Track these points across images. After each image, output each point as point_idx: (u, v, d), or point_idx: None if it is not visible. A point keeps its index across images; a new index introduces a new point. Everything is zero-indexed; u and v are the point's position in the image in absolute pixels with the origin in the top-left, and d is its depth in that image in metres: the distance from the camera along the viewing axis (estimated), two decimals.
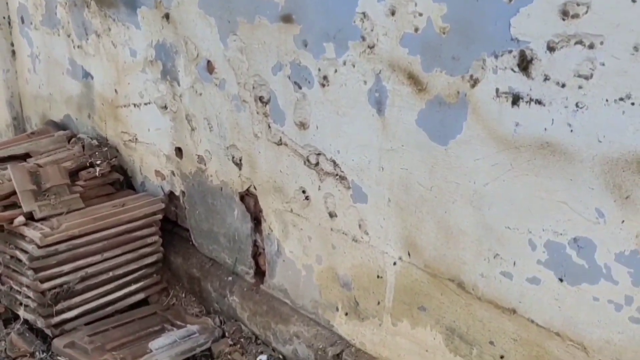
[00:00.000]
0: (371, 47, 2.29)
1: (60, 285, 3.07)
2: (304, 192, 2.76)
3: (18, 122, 4.31)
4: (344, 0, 2.31)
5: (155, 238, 3.38)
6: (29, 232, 3.01)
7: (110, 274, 3.24)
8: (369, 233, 2.57)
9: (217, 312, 3.32)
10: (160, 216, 3.38)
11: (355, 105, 2.42)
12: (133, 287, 3.34)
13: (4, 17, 4.05)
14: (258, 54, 2.70)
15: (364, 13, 2.27)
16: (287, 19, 2.54)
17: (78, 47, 3.64)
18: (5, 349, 3.03)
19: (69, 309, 3.11)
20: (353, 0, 2.28)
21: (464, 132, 2.14)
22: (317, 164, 2.65)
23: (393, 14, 2.19)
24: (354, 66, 2.37)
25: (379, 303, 2.63)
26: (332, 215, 2.68)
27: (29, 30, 3.96)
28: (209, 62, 2.94)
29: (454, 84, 2.10)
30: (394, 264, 2.52)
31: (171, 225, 3.56)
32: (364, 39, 2.30)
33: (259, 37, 2.67)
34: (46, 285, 3.02)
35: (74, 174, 3.43)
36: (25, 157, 3.53)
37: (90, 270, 3.16)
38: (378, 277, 2.60)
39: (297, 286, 2.97)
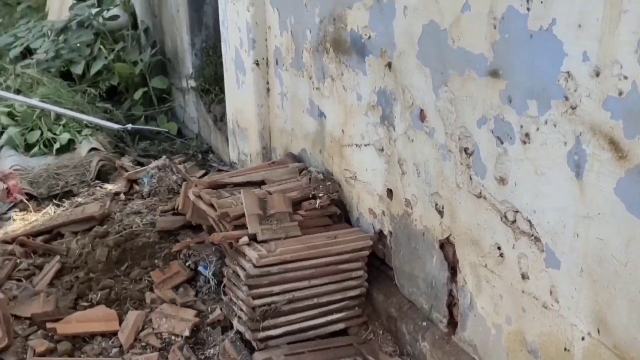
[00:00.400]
0: (573, 107, 2.19)
1: (269, 304, 3.35)
2: (499, 248, 2.70)
3: (266, 152, 4.81)
4: (550, 58, 2.24)
5: (361, 273, 3.53)
6: (249, 251, 3.35)
7: (315, 300, 3.46)
8: (559, 301, 2.42)
9: (409, 354, 3.36)
10: (367, 252, 3.53)
11: (553, 166, 2.33)
12: (335, 316, 3.51)
13: (263, 58, 4.57)
14: (465, 106, 2.73)
15: (568, 72, 2.18)
16: (494, 74, 2.53)
17: (316, 88, 3.98)
18: (219, 354, 3.39)
19: (275, 327, 3.38)
20: (558, 59, 2.21)
21: None
22: (514, 221, 2.58)
23: (597, 75, 2.08)
24: (555, 126, 2.29)
25: None
26: (524, 276, 2.58)
27: (281, 71, 4.43)
28: (421, 110, 3.03)
29: None
30: (582, 338, 2.34)
31: (379, 263, 3.69)
32: (566, 98, 2.21)
33: (468, 90, 2.69)
34: (257, 302, 3.33)
35: (297, 204, 3.74)
36: (261, 183, 3.94)
37: (297, 294, 3.41)
38: (565, 349, 2.43)
39: (486, 344, 2.89)
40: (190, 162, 5.62)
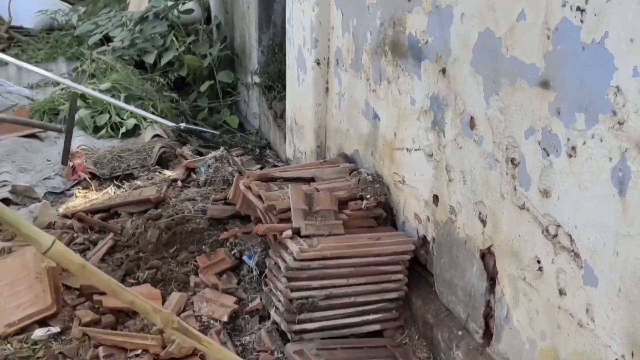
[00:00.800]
0: (621, 123, 2.15)
1: (307, 298, 3.40)
2: (538, 262, 2.66)
3: (320, 150, 4.86)
4: (600, 72, 2.21)
5: (401, 276, 3.54)
6: (291, 245, 3.41)
7: (353, 299, 3.48)
8: (594, 321, 2.37)
9: None
10: (408, 257, 3.53)
11: (597, 181, 2.28)
12: (371, 316, 3.53)
13: (324, 58, 4.63)
14: (515, 115, 2.70)
15: (617, 87, 2.14)
16: (544, 84, 2.50)
17: (373, 90, 4.01)
18: (254, 342, 3.46)
19: (310, 320, 3.43)
20: (609, 73, 2.17)
21: None
22: (555, 235, 2.54)
23: None
24: (601, 141, 2.25)
25: None
26: (561, 292, 2.54)
27: (340, 71, 4.48)
28: (472, 118, 3.01)
29: None
30: None
31: (420, 268, 3.68)
32: (614, 113, 2.17)
33: (517, 100, 2.67)
34: (295, 294, 3.39)
35: (343, 203, 3.77)
36: (310, 180, 3.99)
37: (335, 290, 3.44)
38: None
39: (520, 358, 2.85)
40: (248, 155, 5.72)
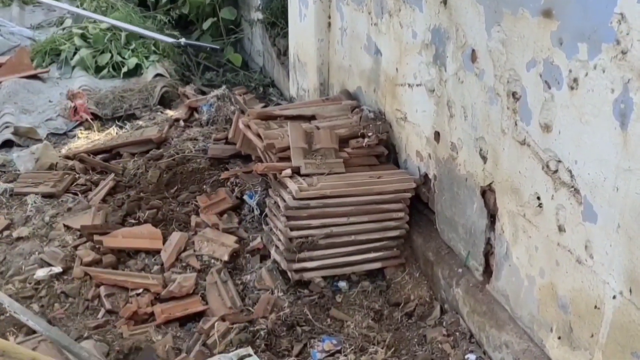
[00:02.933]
0: (624, 52, 2.05)
1: (306, 237, 3.38)
2: (538, 198, 2.60)
3: (324, 88, 4.76)
4: None
5: (402, 214, 3.50)
6: (290, 183, 3.37)
7: (353, 237, 3.46)
8: (593, 257, 2.33)
9: (442, 299, 3.33)
10: (409, 195, 3.49)
11: (599, 114, 2.20)
12: (372, 255, 3.51)
13: None
14: (516, 47, 2.59)
15: (621, 14, 2.03)
16: (547, 13, 2.39)
17: (374, 24, 3.88)
18: (255, 280, 3.46)
19: (310, 259, 3.42)
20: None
21: None
22: (555, 171, 2.47)
23: None
24: (604, 71, 2.15)
25: (592, 336, 2.38)
26: (561, 229, 2.49)
27: (342, 5, 4.33)
28: (473, 50, 2.91)
29: None
30: (614, 297, 2.25)
31: (422, 206, 3.64)
32: (618, 42, 2.06)
33: (519, 30, 2.56)
34: (294, 233, 3.37)
35: (345, 141, 3.71)
36: (311, 118, 3.92)
37: (335, 229, 3.42)
38: (595, 307, 2.35)
39: (518, 295, 2.83)
40: (251, 94, 5.63)
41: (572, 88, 2.31)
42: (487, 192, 2.99)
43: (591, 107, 2.23)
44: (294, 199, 3.31)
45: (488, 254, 3.07)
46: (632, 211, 2.12)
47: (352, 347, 3.04)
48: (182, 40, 3.84)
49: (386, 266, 3.55)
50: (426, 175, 3.54)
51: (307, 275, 3.43)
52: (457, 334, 3.13)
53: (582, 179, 2.33)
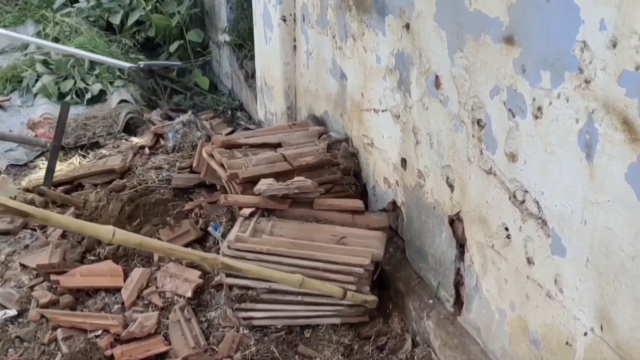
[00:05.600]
0: (587, 81, 1.97)
1: (245, 289, 3.12)
2: (506, 229, 2.51)
3: (291, 112, 4.67)
4: (566, 25, 2.01)
5: (354, 287, 3.10)
6: (235, 227, 3.16)
7: (300, 297, 3.15)
8: (563, 292, 2.24)
9: (414, 332, 3.22)
10: (362, 270, 3.08)
11: (564, 144, 2.12)
12: (328, 312, 3.22)
13: (290, 14, 4.40)
14: (479, 74, 2.51)
15: (584, 42, 1.95)
16: (509, 40, 2.31)
17: (339, 48, 3.80)
18: (219, 317, 3.33)
19: (254, 310, 3.18)
20: (574, 27, 1.97)
21: None
22: (523, 202, 2.39)
23: (614, 46, 1.85)
24: (567, 101, 2.07)
25: None
26: (530, 261, 2.40)
27: (307, 28, 4.25)
28: (437, 76, 2.83)
29: None
30: (585, 334, 2.16)
31: (392, 233, 3.54)
32: (581, 71, 1.99)
33: (482, 57, 2.48)
34: (229, 280, 3.11)
35: (312, 169, 3.61)
36: (277, 146, 3.82)
37: (276, 286, 3.09)
38: (567, 344, 2.25)
39: (490, 328, 2.73)
40: (218, 119, 5.52)
41: (536, 117, 2.23)
42: (455, 221, 2.90)
43: (556, 137, 2.15)
44: (228, 247, 3.06)
45: (458, 284, 2.97)
46: (600, 245, 2.03)
47: None
48: (141, 64, 3.60)
49: (348, 323, 3.26)
50: (394, 203, 3.45)
51: (256, 323, 3.24)
52: None
53: (550, 210, 2.24)
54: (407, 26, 3.00)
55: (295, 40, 4.49)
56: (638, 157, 1.83)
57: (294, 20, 4.43)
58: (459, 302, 2.98)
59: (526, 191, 2.36)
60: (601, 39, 1.89)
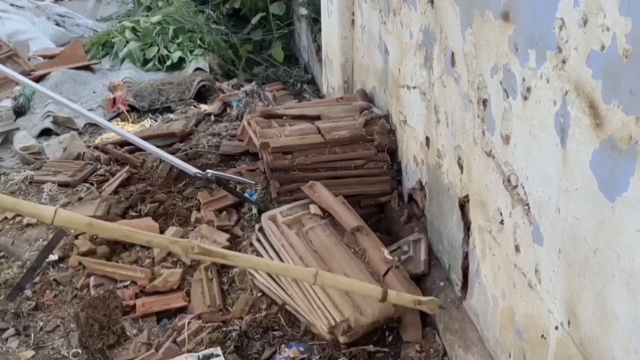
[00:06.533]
0: (564, 61, 1.86)
1: None
2: (500, 214, 2.43)
3: (348, 86, 4.66)
4: (548, 1, 1.90)
5: None
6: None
7: None
8: (541, 282, 2.14)
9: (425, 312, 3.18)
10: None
11: (544, 127, 2.02)
12: None
13: None
14: (484, 52, 2.42)
15: (562, 19, 1.85)
16: (505, 16, 2.21)
17: (384, 23, 3.75)
18: (238, 279, 3.44)
19: None
20: (555, 3, 1.87)
21: (630, 190, 1.62)
22: (515, 186, 2.29)
23: (585, 23, 1.73)
24: (548, 81, 1.96)
25: None
26: (517, 249, 2.31)
27: (362, 2, 4.22)
28: (452, 54, 2.74)
29: (627, 125, 1.59)
30: (556, 328, 2.07)
31: (420, 212, 3.49)
32: (560, 50, 1.88)
33: (486, 34, 2.39)
34: None
35: (346, 144, 3.62)
36: (315, 118, 3.85)
37: None
38: (542, 336, 2.17)
39: (486, 316, 2.65)
40: (285, 90, 5.61)
41: (525, 98, 2.13)
42: (464, 204, 2.83)
43: (538, 119, 2.05)
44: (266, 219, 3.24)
45: (467, 268, 2.90)
46: (569, 236, 1.93)
47: (319, 356, 2.96)
48: (209, 172, 3.50)
49: None
50: (420, 182, 3.39)
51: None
52: (432, 350, 2.98)
53: (532, 197, 2.15)
54: (432, 1, 2.93)
55: (353, 14, 4.46)
56: (601, 144, 1.72)
57: None
58: (465, 287, 2.91)
59: (516, 176, 2.26)
60: (575, 16, 1.78)
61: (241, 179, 3.86)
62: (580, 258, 1.88)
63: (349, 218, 3.22)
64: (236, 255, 2.66)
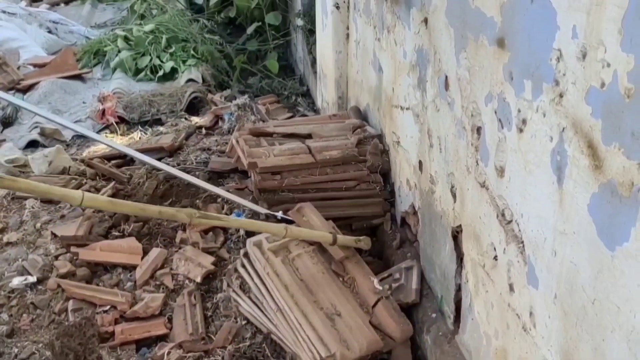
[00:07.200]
0: (561, 95, 1.73)
1: None
2: (494, 249, 2.30)
3: (342, 102, 4.54)
4: (545, 31, 1.78)
5: None
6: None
7: None
8: (536, 327, 2.01)
9: (416, 344, 3.04)
10: None
11: (540, 164, 1.89)
12: None
13: (344, 1, 4.25)
14: (478, 77, 2.29)
15: (559, 50, 1.72)
16: (500, 42, 2.08)
17: (378, 39, 3.63)
18: (222, 306, 3.30)
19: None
20: (552, 32, 1.74)
21: (631, 241, 1.49)
22: (509, 222, 2.16)
23: (584, 57, 1.61)
24: (544, 115, 1.84)
25: None
26: (511, 288, 2.18)
27: (357, 16, 4.10)
28: (446, 77, 2.62)
29: (629, 170, 1.46)
30: None
31: (413, 236, 3.36)
32: (557, 83, 1.75)
33: (480, 59, 2.26)
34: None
35: (337, 164, 3.49)
36: (306, 137, 3.72)
37: None
38: None
39: (479, 353, 2.52)
40: (278, 103, 5.48)
41: (520, 130, 2.00)
42: (457, 235, 2.69)
43: (533, 155, 1.92)
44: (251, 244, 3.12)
45: (459, 301, 2.76)
46: (566, 282, 1.80)
47: None
48: (280, 214, 3.25)
49: None
50: (413, 206, 3.26)
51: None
52: None
53: (527, 235, 2.02)
54: (426, 21, 2.80)
55: (348, 28, 4.34)
56: (600, 188, 1.59)
57: (347, 7, 4.28)
58: (458, 321, 2.77)
59: (511, 212, 2.13)
60: (573, 49, 1.65)
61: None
62: (578, 307, 1.75)
63: (337, 250, 3.08)
64: (227, 218, 3.15)
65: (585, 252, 1.69)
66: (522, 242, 2.07)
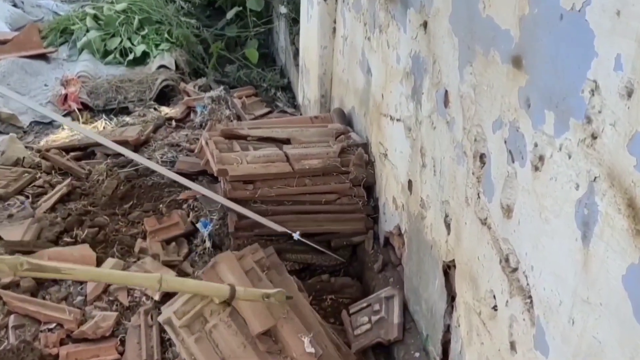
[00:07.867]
0: (594, 137, 1.42)
1: None
2: (494, 297, 1.99)
3: (325, 100, 4.21)
4: (577, 55, 1.46)
5: None
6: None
7: None
8: None
9: None
10: None
11: (560, 213, 1.57)
12: None
13: None
14: (486, 98, 1.97)
15: (595, 82, 1.40)
16: (517, 61, 1.76)
17: (368, 38, 3.29)
18: None
19: None
20: (587, 59, 1.42)
21: None
22: (514, 270, 1.85)
23: (629, 95, 1.29)
24: (569, 157, 1.52)
25: None
26: (512, 347, 1.87)
27: (346, 10, 3.75)
28: (446, 92, 2.29)
29: None
30: None
31: (397, 260, 3.05)
32: (589, 121, 1.43)
33: (489, 77, 1.94)
34: None
35: (317, 175, 3.16)
36: (285, 142, 3.38)
37: None
38: None
39: None
40: (257, 97, 5.11)
41: (536, 169, 1.69)
42: (448, 270, 2.39)
43: (552, 201, 1.60)
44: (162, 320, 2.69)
45: (447, 343, 2.46)
46: (587, 357, 1.49)
47: None
48: (297, 235, 2.86)
49: None
50: (399, 228, 2.95)
51: None
52: None
53: (537, 292, 1.71)
54: (425, 25, 2.47)
55: (335, 22, 3.99)
56: None
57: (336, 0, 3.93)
58: None
59: (517, 259, 1.82)
60: (615, 82, 1.33)
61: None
62: None
63: (254, 320, 2.61)
64: (72, 268, 2.32)
65: (615, 330, 1.38)
66: (530, 297, 1.76)
